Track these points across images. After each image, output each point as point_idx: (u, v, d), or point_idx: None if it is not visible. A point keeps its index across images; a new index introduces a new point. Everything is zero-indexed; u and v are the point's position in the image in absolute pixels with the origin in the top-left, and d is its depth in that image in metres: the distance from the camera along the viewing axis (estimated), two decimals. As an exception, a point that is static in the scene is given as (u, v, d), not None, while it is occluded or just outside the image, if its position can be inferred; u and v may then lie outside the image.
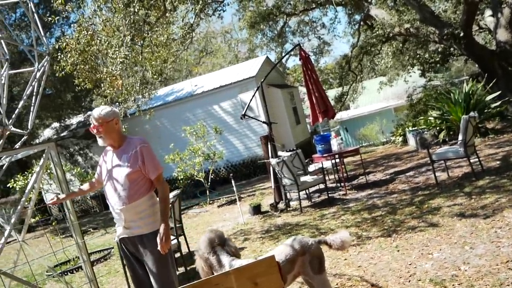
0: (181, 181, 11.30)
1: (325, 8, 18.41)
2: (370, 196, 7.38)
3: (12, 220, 3.70)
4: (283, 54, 19.88)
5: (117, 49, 8.33)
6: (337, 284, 4.02)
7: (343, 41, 73.10)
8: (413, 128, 12.61)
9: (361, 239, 5.17)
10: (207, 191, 11.58)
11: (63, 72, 9.99)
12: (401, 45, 17.53)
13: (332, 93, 21.93)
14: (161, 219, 3.05)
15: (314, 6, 17.88)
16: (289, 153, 8.40)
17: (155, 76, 10.45)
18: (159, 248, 2.97)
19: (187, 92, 16.40)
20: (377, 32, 15.35)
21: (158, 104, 15.98)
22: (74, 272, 7.20)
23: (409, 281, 3.73)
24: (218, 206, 10.21)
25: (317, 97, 8.00)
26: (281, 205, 8.10)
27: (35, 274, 6.84)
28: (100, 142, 3.14)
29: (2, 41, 3.69)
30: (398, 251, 4.48)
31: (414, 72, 19.50)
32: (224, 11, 11.30)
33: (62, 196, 3.49)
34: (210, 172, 11.50)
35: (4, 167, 4.20)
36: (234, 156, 15.38)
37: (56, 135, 18.20)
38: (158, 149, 14.64)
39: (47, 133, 19.24)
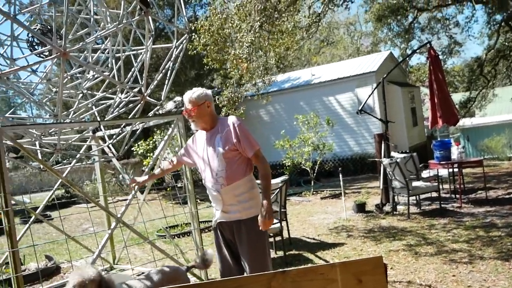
0: (287, 168, 11.47)
1: (462, 5, 17.05)
2: (488, 214, 6.80)
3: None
4: (410, 51, 18.87)
5: (245, 33, 8.64)
6: (441, 299, 3.81)
7: (477, 42, 67.40)
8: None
9: (473, 258, 4.81)
10: (312, 181, 11.59)
11: (195, 51, 10.70)
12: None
13: (456, 98, 20.36)
14: (263, 196, 2.86)
15: (450, 2, 16.67)
16: (402, 155, 8.04)
17: (277, 62, 10.65)
18: (260, 225, 2.80)
19: (304, 81, 16.42)
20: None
21: (274, 90, 16.24)
22: (181, 236, 7.76)
23: (527, 312, 3.40)
24: (321, 198, 10.18)
25: (441, 99, 7.49)
26: (387, 208, 7.83)
27: (147, 232, 7.48)
28: (192, 126, 3.05)
29: (150, 17, 4.05)
30: (517, 278, 4.09)
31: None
32: (352, 2, 11.02)
33: (143, 178, 3.47)
34: (317, 163, 11.49)
35: (137, 132, 4.64)
36: (343, 150, 15.13)
37: (175, 109, 19.52)
38: (269, 134, 14.98)
39: (169, 106, 20.72)
